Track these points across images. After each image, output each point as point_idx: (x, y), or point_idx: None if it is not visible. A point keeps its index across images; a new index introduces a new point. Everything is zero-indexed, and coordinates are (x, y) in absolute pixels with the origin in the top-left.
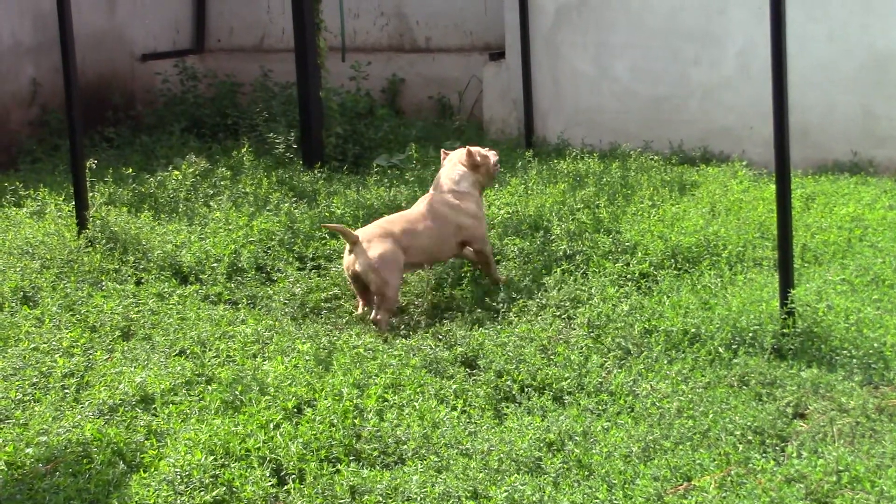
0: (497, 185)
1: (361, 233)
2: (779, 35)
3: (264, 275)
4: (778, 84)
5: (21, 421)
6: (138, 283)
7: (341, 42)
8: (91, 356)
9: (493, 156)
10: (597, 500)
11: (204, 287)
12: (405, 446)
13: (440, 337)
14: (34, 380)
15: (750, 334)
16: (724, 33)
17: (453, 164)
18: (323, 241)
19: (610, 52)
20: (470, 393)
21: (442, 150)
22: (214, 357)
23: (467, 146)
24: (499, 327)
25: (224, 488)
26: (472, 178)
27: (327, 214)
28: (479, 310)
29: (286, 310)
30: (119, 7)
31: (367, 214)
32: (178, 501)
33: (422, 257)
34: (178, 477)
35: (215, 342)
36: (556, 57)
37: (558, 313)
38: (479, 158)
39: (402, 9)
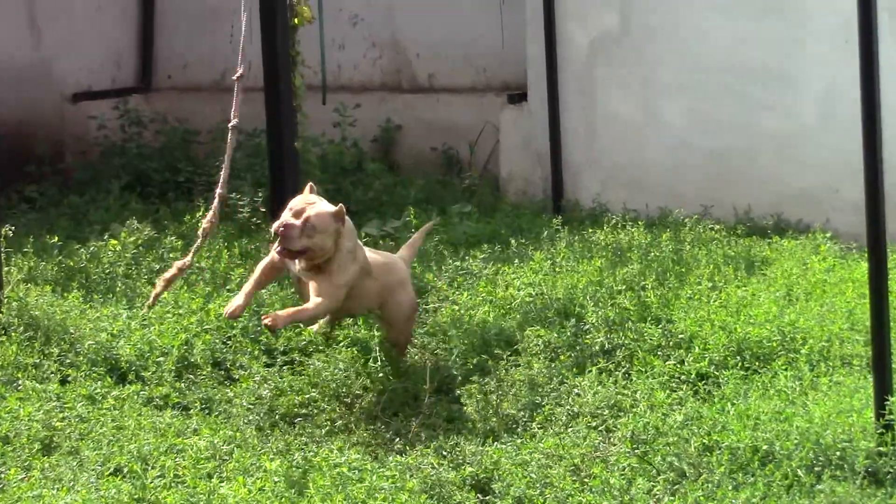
0: (516, 261)
1: None
2: (870, 75)
3: (223, 372)
4: (870, 136)
5: None
6: (63, 381)
7: (322, 79)
8: (2, 475)
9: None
10: None
11: (147, 387)
12: None
13: (444, 453)
14: None
15: (837, 453)
16: (801, 72)
17: None
18: (297, 331)
19: (659, 92)
20: None
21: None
22: (159, 477)
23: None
24: (519, 441)
25: None
26: None
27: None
28: (494, 418)
29: (250, 417)
30: (45, 36)
31: None
32: None
33: None
34: None
35: (160, 458)
36: (590, 99)
37: (594, 424)
38: None
39: (399, 38)
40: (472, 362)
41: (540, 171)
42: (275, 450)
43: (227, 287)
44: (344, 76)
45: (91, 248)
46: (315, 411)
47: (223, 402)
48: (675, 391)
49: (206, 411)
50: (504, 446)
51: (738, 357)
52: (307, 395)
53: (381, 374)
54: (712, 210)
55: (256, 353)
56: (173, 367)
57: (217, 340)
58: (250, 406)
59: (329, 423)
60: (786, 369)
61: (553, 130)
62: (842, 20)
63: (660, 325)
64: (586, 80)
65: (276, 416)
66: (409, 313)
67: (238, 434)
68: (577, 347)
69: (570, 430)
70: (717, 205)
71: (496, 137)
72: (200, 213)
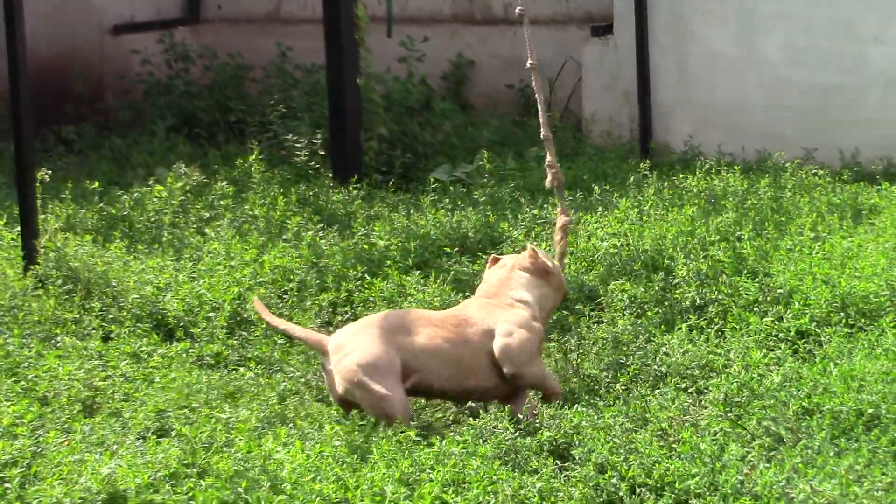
0: (601, 210)
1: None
2: None
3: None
4: None
5: None
6: (106, 338)
7: (387, 10)
8: (41, 438)
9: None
10: None
11: (196, 345)
12: None
13: (520, 417)
14: None
15: None
16: None
17: (509, 270)
18: (359, 283)
19: (757, 25)
20: (561, 494)
21: (491, 257)
22: (209, 441)
23: (530, 246)
24: (601, 404)
25: None
26: (538, 291)
27: (366, 247)
28: (575, 379)
29: (308, 377)
30: None
31: (421, 247)
32: None
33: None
34: None
35: (210, 420)
36: (682, 32)
37: (683, 385)
38: (549, 265)
39: None
40: (551, 319)
41: (627, 111)
42: (336, 412)
43: (283, 237)
44: (411, 6)
45: (134, 195)
46: None
47: (280, 360)
48: (773, 350)
49: (261, 370)
50: (585, 409)
51: (842, 313)
52: None
53: None
54: (815, 154)
55: (315, 306)
56: (225, 324)
57: (272, 295)
58: (308, 365)
59: None
60: (894, 327)
61: (641, 66)
62: None
63: (756, 279)
64: (678, 11)
65: None
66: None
67: (294, 396)
68: (666, 303)
69: (657, 391)
70: (820, 148)
71: (579, 74)
72: (254, 157)
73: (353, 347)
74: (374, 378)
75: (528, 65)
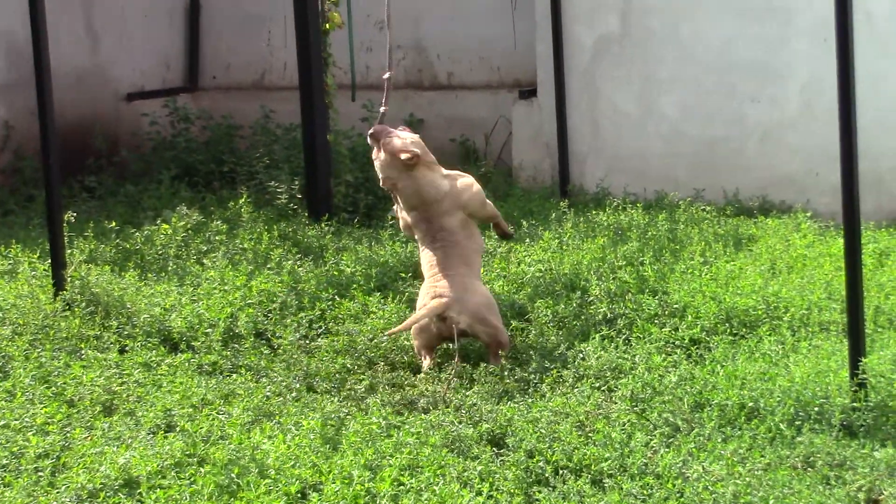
0: (528, 241)
1: (446, 291)
2: (846, 70)
3: (264, 341)
4: (846, 125)
5: None
6: (122, 351)
7: (351, 79)
8: (68, 434)
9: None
10: None
11: (196, 356)
12: None
13: (463, 412)
14: (4, 461)
15: (816, 409)
16: (785, 67)
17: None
18: (331, 303)
19: (656, 88)
20: (497, 476)
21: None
22: (207, 434)
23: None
24: (530, 401)
25: None
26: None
27: (335, 273)
28: (508, 380)
29: (289, 381)
30: (103, 41)
31: (381, 273)
32: None
33: None
34: None
35: (208, 417)
36: (594, 94)
37: (597, 385)
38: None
39: (421, 41)
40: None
41: (549, 160)
42: (311, 409)
43: (268, 265)
44: (372, 76)
45: (145, 232)
46: (348, 376)
47: (265, 367)
48: (671, 355)
49: (250, 376)
50: (517, 405)
51: (727, 324)
52: (339, 363)
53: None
54: (704, 193)
55: (293, 323)
56: (220, 338)
57: (259, 314)
58: (288, 371)
59: (359, 384)
60: (770, 335)
61: (560, 123)
62: (821, 20)
63: (656, 297)
64: (590, 76)
65: (314, 380)
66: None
67: (277, 397)
68: (583, 317)
69: (576, 390)
70: (708, 188)
71: (509, 130)
72: (243, 200)
73: (472, 297)
74: (492, 315)
75: (385, 76)
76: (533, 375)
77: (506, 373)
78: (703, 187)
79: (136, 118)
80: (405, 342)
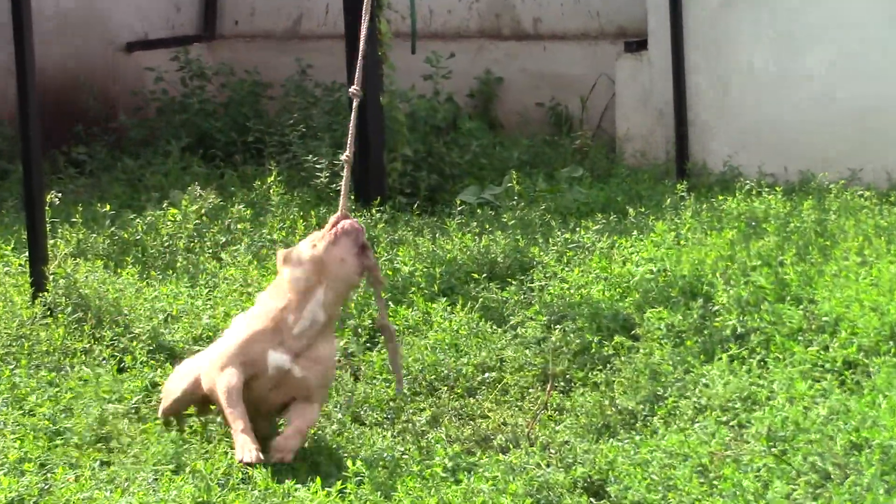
0: (635, 234)
1: None
2: None
3: None
4: None
5: None
6: (119, 370)
7: (412, 25)
8: (49, 475)
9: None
10: None
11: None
12: None
13: (552, 451)
14: None
15: None
16: None
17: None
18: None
19: (800, 40)
20: None
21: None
22: (225, 477)
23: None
24: (638, 438)
25: None
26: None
27: (389, 272)
28: (610, 411)
29: (329, 410)
30: None
31: (447, 273)
32: None
33: None
34: None
35: (226, 455)
36: (721, 48)
37: (724, 419)
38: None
39: None
40: (584, 348)
41: (661, 131)
42: (357, 446)
43: None
44: (436, 21)
45: (147, 219)
46: (401, 403)
47: None
48: (818, 381)
49: None
50: (621, 444)
51: (892, 342)
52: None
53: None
54: (861, 174)
55: (338, 334)
56: None
57: None
58: (329, 396)
59: (418, 414)
60: None
61: (677, 83)
62: None
63: (801, 306)
64: (717, 25)
65: (365, 408)
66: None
67: (316, 431)
68: (705, 331)
69: (696, 425)
70: (866, 168)
71: (611, 91)
72: (272, 179)
73: None
74: None
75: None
76: (641, 406)
77: (606, 402)
78: (859, 166)
79: (137, 74)
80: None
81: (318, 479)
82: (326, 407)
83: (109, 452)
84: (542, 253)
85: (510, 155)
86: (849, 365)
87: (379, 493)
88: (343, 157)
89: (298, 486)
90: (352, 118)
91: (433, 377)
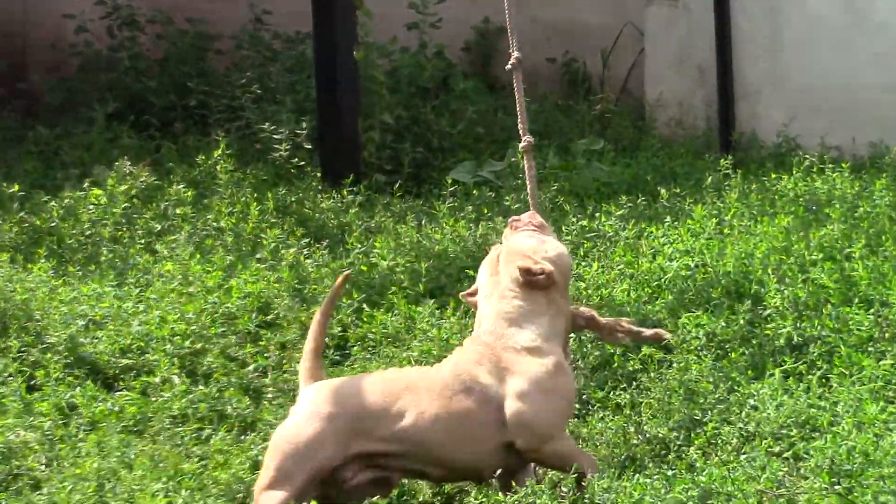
0: (668, 220)
1: None
2: None
3: (257, 373)
4: None
5: None
6: (31, 388)
7: None
8: None
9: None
10: None
11: (145, 397)
12: None
13: (564, 491)
14: None
15: None
16: None
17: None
18: (356, 315)
19: None
20: None
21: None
22: None
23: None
24: (670, 473)
25: None
26: (547, 315)
27: (364, 268)
28: (636, 440)
29: None
30: None
31: (437, 269)
32: None
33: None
34: None
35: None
36: None
37: (777, 450)
38: (546, 268)
39: None
40: (604, 362)
41: (702, 93)
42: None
43: (257, 255)
44: None
45: (65, 201)
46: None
47: (253, 418)
48: (894, 403)
49: (235, 431)
50: (650, 480)
51: None
52: None
53: None
54: None
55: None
56: (181, 370)
57: (242, 331)
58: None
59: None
60: None
61: (721, 36)
62: None
63: (871, 310)
64: None
65: None
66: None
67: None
68: (754, 341)
69: (743, 457)
70: None
71: (640, 45)
72: (220, 153)
73: None
74: None
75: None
76: (675, 433)
77: (631, 429)
78: None
79: (54, 22)
80: None
81: None
82: None
83: (17, 494)
84: None
85: (514, 123)
86: None
87: None
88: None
89: None
90: None
91: None
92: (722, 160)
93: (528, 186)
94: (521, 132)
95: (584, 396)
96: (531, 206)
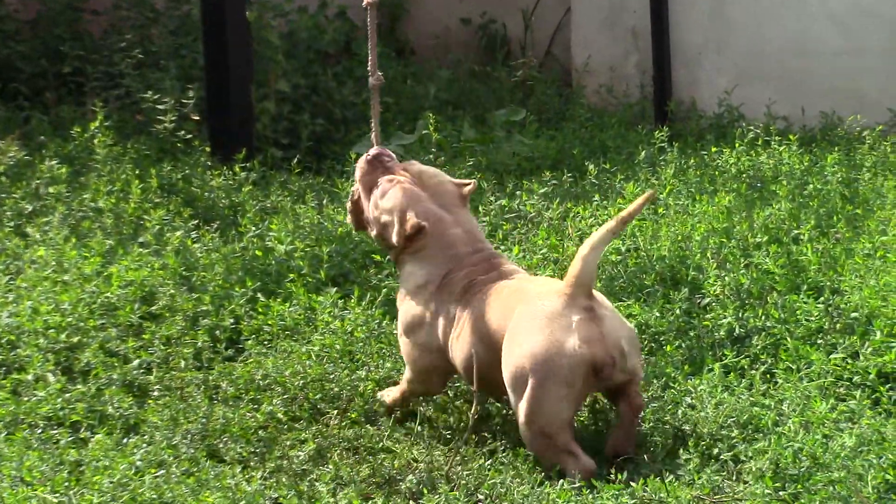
0: (596, 199)
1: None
2: None
3: (142, 370)
4: None
5: None
6: None
7: None
8: None
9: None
10: None
11: (16, 397)
12: None
13: (480, 498)
14: None
15: None
16: None
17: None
18: (250, 306)
19: None
20: None
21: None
22: None
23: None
24: (597, 481)
25: None
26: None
27: (258, 253)
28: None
29: (176, 442)
30: None
31: (339, 255)
32: None
33: None
34: None
35: None
36: None
37: (715, 451)
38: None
39: None
40: None
41: (636, 58)
42: (216, 490)
43: (140, 239)
44: None
45: None
46: (278, 434)
47: (135, 419)
48: (843, 400)
49: (106, 433)
50: (573, 487)
51: None
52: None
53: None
54: None
55: (186, 341)
56: (55, 367)
57: (123, 324)
58: (174, 425)
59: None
60: None
61: None
62: None
63: (821, 299)
64: None
65: (218, 441)
66: (510, 381)
67: (154, 469)
68: (692, 333)
69: (677, 461)
70: None
71: (566, 4)
72: (98, 125)
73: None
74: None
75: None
76: (601, 435)
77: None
78: None
79: None
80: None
81: None
82: (173, 438)
83: None
84: None
85: (425, 91)
86: (885, 378)
87: None
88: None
89: None
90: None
91: (318, 397)
92: (657, 132)
93: (373, 124)
94: (369, 69)
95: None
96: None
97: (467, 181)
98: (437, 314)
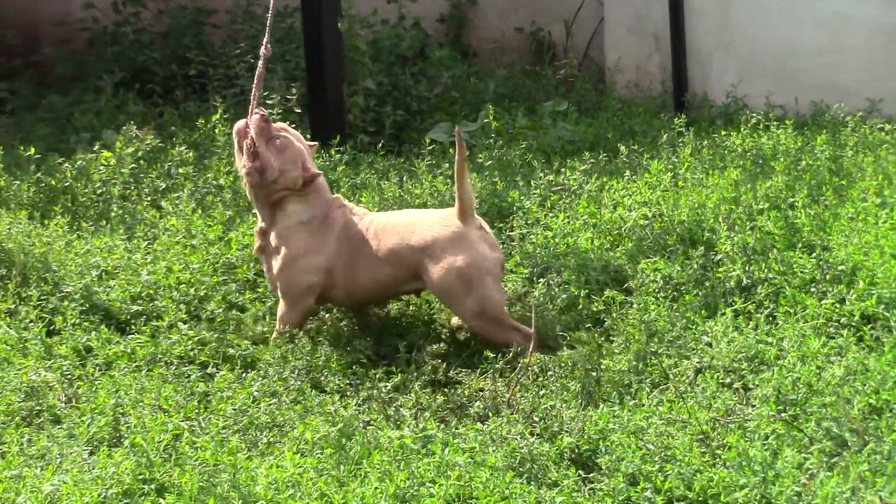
0: (627, 174)
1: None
2: None
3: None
4: None
5: None
6: (50, 333)
7: None
8: None
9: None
10: None
11: (155, 340)
12: None
13: (536, 420)
14: None
15: None
16: None
17: None
18: None
19: None
20: None
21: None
22: (169, 452)
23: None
24: (631, 404)
25: None
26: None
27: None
28: (598, 372)
29: (285, 374)
30: None
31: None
32: None
33: None
34: None
35: (170, 427)
36: None
37: (728, 381)
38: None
39: None
40: (570, 304)
41: (657, 58)
42: (319, 416)
43: (253, 210)
44: None
45: (78, 163)
46: (370, 369)
47: (252, 357)
48: (834, 338)
49: (235, 369)
50: (612, 410)
51: None
52: (360, 349)
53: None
54: (882, 105)
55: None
56: (186, 315)
57: (242, 279)
58: (284, 362)
59: (385, 380)
60: None
61: (675, 5)
62: None
63: (813, 254)
64: None
65: (321, 375)
66: (455, 285)
67: (269, 398)
68: (707, 284)
69: (697, 388)
70: (888, 98)
71: (600, 14)
72: (218, 117)
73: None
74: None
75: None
76: (635, 368)
77: (595, 366)
78: (880, 97)
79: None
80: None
81: (274, 451)
82: (283, 372)
83: (39, 429)
84: (522, 197)
85: (486, 87)
86: (867, 319)
87: (343, 467)
88: (262, 51)
89: (253, 460)
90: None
91: (401, 339)
92: (676, 119)
93: (255, 85)
94: (263, 44)
95: (552, 335)
96: (253, 105)
97: (314, 142)
98: (323, 243)
